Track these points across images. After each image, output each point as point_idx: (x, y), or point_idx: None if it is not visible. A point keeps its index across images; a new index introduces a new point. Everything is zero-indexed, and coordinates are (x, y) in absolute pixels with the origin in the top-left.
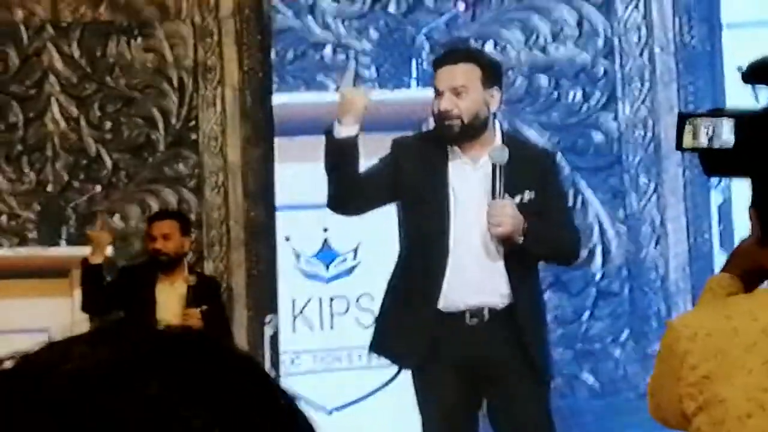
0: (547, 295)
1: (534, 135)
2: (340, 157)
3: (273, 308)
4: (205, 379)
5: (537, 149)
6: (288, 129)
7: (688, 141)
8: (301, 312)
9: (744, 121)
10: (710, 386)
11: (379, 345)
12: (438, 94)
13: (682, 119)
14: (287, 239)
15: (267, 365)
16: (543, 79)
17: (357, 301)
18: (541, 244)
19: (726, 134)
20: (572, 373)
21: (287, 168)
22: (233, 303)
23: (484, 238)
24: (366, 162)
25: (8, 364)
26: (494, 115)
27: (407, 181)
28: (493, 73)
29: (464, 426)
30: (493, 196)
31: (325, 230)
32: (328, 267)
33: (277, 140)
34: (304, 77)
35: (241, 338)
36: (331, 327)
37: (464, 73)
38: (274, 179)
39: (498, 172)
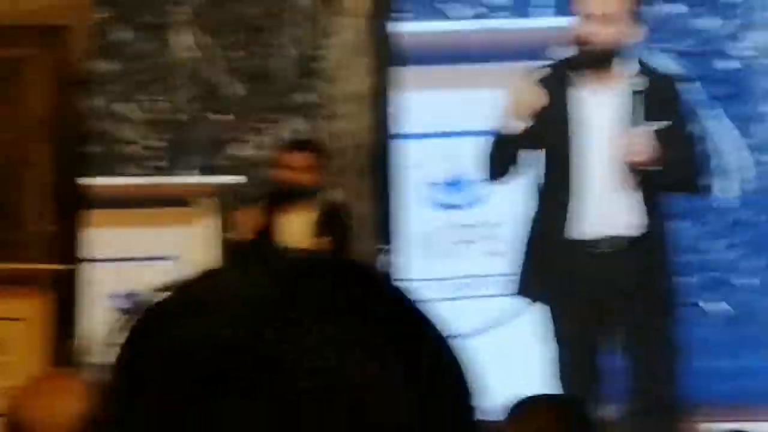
0: (678, 223)
1: (664, 62)
2: (504, 149)
3: (393, 238)
4: (359, 307)
5: (667, 76)
6: (415, 57)
7: None
8: (430, 241)
9: None
10: None
11: (524, 288)
12: (585, 17)
13: None
14: (417, 167)
15: None
16: (678, 6)
17: (487, 229)
18: (674, 175)
19: None
20: (697, 302)
21: (413, 96)
22: (357, 232)
23: (618, 165)
24: (496, 90)
25: (166, 295)
26: (633, 46)
27: (545, 116)
28: (642, 5)
29: (593, 356)
30: (633, 124)
31: (455, 159)
32: (457, 195)
33: (402, 69)
34: (432, 6)
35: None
36: (460, 255)
37: (618, 1)
38: (393, 108)
39: (636, 100)
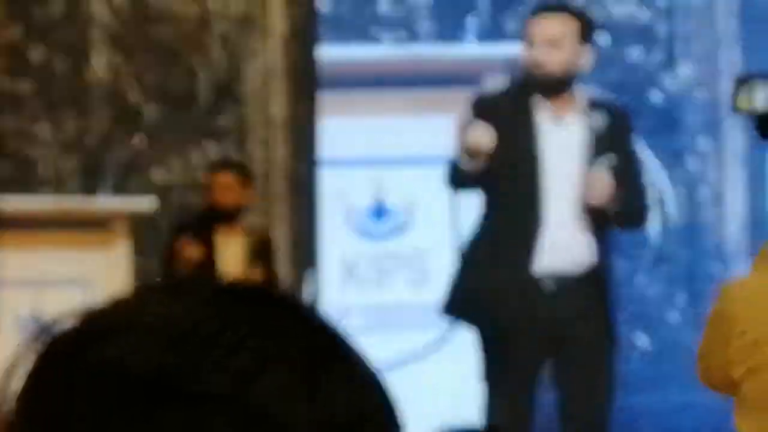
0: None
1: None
2: (463, 179)
3: (313, 263)
4: (280, 335)
5: (615, 108)
6: (335, 82)
7: (743, 104)
8: (352, 269)
9: None
10: (758, 353)
11: (455, 307)
12: (531, 44)
13: (739, 82)
14: (340, 195)
15: None
16: (604, 38)
17: (409, 259)
18: (623, 210)
19: None
20: (626, 336)
21: (334, 122)
22: (276, 259)
23: (574, 203)
24: (422, 117)
25: (72, 321)
26: (583, 71)
27: (500, 143)
28: (589, 30)
29: (529, 387)
30: (589, 163)
31: (378, 187)
32: (380, 224)
33: (323, 94)
34: (357, 29)
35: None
36: (383, 285)
37: (562, 24)
38: (317, 134)
39: (593, 137)
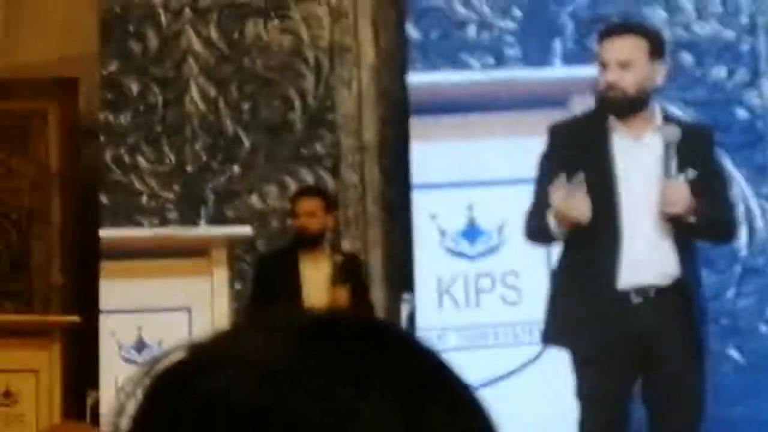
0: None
1: (677, 112)
2: (546, 239)
3: (409, 286)
4: (378, 367)
5: (696, 126)
6: (426, 108)
7: None
8: (447, 290)
9: None
10: None
11: (553, 335)
12: (603, 66)
13: None
14: (432, 217)
15: None
16: (687, 57)
17: (502, 278)
18: (707, 223)
19: None
20: (718, 349)
21: (425, 147)
22: (370, 281)
23: (654, 216)
24: (510, 139)
25: (179, 355)
26: (657, 89)
27: (574, 163)
28: (659, 47)
29: (622, 407)
30: (666, 175)
31: (470, 208)
32: (473, 244)
33: (414, 119)
34: (446, 56)
35: (379, 316)
36: (477, 304)
37: (632, 45)
38: (410, 158)
39: (670, 150)
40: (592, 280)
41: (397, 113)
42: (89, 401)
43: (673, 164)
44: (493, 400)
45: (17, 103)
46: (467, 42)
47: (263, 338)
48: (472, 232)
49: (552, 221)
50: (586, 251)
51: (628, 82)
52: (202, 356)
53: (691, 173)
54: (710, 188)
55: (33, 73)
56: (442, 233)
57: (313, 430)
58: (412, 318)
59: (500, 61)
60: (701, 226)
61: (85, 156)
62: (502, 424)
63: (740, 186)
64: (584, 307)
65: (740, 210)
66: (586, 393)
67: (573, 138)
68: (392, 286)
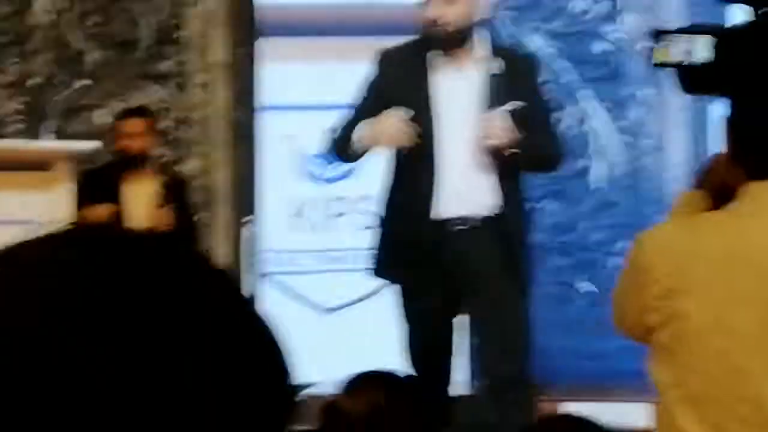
0: (545, 204)
1: (538, 43)
2: (348, 152)
3: (252, 209)
4: (172, 285)
5: (519, 54)
6: (275, 29)
7: (660, 56)
8: (300, 212)
9: (722, 37)
10: (673, 300)
11: (378, 269)
12: (426, 1)
13: (657, 35)
14: (288, 138)
15: (244, 265)
16: None
17: (356, 202)
18: (529, 155)
19: (700, 51)
20: (570, 282)
21: (277, 68)
22: (216, 203)
23: (473, 149)
24: (352, 67)
25: None
26: (480, 22)
27: (394, 93)
28: None
29: (442, 332)
30: (486, 108)
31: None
32: (328, 168)
33: (262, 40)
34: None
35: (222, 238)
36: (331, 228)
37: None
38: (256, 79)
39: (491, 82)
40: (411, 209)
41: (246, 34)
42: None
43: (494, 97)
44: (343, 324)
45: None
46: None
47: (48, 253)
48: (326, 156)
49: (357, 139)
50: (406, 182)
51: (451, 15)
52: None
53: (516, 104)
54: (533, 119)
55: None
56: (295, 156)
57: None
58: (254, 240)
59: None
60: (525, 158)
61: None
62: (355, 346)
63: (600, 119)
64: (404, 235)
65: (597, 144)
66: (410, 321)
67: (395, 66)
68: (237, 209)
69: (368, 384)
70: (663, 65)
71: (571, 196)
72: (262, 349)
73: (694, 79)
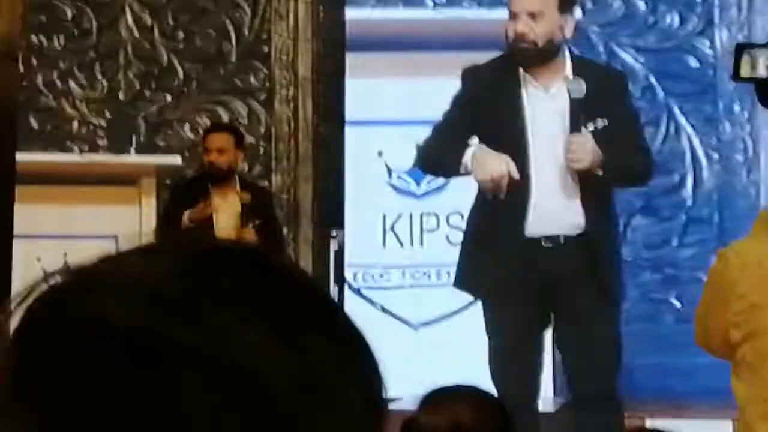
0: (636, 220)
1: (629, 59)
2: (440, 168)
3: (339, 223)
4: (260, 294)
5: (606, 71)
6: (362, 44)
7: (745, 71)
8: (391, 227)
9: None
10: (756, 317)
11: (463, 281)
12: (513, 16)
13: (740, 49)
14: (380, 154)
15: (332, 279)
16: (640, 3)
17: (447, 218)
18: (617, 173)
19: None
20: (660, 298)
21: (364, 83)
22: (299, 217)
23: (561, 169)
24: (438, 82)
25: (60, 278)
26: (566, 41)
27: (482, 112)
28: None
29: (531, 349)
30: (572, 130)
31: (418, 147)
32: (419, 183)
33: (350, 55)
34: None
35: (306, 253)
36: (421, 243)
37: None
38: (344, 94)
39: (576, 105)
40: (502, 227)
41: (333, 48)
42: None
43: (580, 118)
44: (433, 339)
45: None
46: None
47: (145, 263)
48: (419, 171)
49: (464, 166)
50: (497, 200)
51: (537, 32)
52: (82, 279)
53: (601, 123)
54: (623, 135)
55: None
56: (390, 170)
57: (194, 354)
58: (340, 254)
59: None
60: (611, 176)
61: (3, 79)
62: (440, 362)
63: (688, 135)
64: (494, 252)
65: (687, 160)
66: (495, 336)
67: (483, 84)
68: (322, 223)
69: (450, 399)
70: (747, 80)
71: (656, 213)
72: (357, 354)
73: None
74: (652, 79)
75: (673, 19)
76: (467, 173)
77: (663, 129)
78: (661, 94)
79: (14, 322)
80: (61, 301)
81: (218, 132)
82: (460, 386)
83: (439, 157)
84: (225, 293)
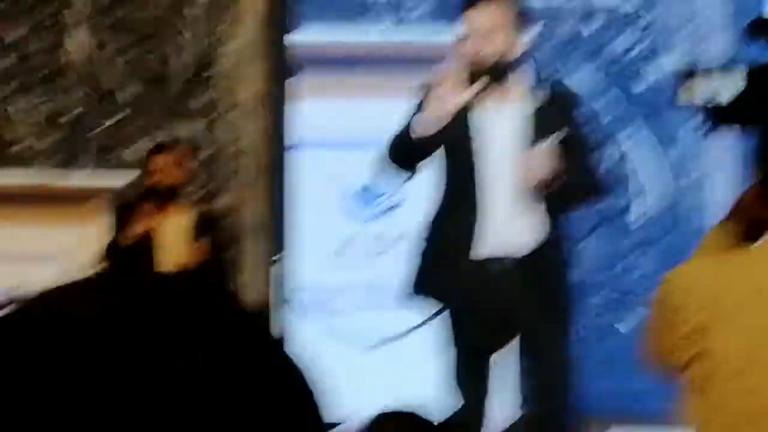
0: (585, 242)
1: (581, 79)
2: (410, 150)
3: (282, 245)
4: (196, 326)
5: (560, 90)
6: (307, 66)
7: (686, 96)
8: (342, 250)
9: (751, 73)
10: (702, 339)
11: (419, 287)
12: (465, 35)
13: (682, 75)
14: (330, 177)
15: (272, 302)
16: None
17: (397, 241)
18: (568, 189)
19: (725, 89)
20: (605, 322)
21: (310, 104)
22: (246, 240)
23: (513, 185)
24: (386, 103)
25: (3, 312)
26: (521, 58)
27: (446, 128)
28: (522, 16)
29: (482, 368)
30: (528, 144)
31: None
32: (369, 206)
33: (295, 78)
34: (330, 13)
35: (252, 275)
36: (372, 266)
37: (493, 16)
38: (287, 117)
39: (533, 117)
40: (452, 246)
41: (279, 71)
42: None
43: (534, 132)
44: (384, 361)
45: None
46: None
47: (86, 298)
48: (363, 193)
49: (419, 122)
50: (449, 217)
51: (489, 50)
52: (22, 315)
53: (558, 136)
54: (574, 153)
55: None
56: (341, 193)
57: (127, 376)
58: (281, 278)
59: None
60: (564, 192)
61: None
62: (390, 385)
63: (641, 157)
64: (445, 276)
65: (641, 182)
66: (453, 343)
67: None
68: (268, 245)
69: (394, 424)
70: (688, 104)
71: (610, 234)
72: (292, 390)
73: (720, 116)
74: (603, 101)
75: (619, 43)
76: (425, 146)
77: (614, 151)
78: (611, 115)
79: None
80: (7, 333)
81: (159, 152)
82: (402, 412)
83: (402, 146)
84: (169, 324)
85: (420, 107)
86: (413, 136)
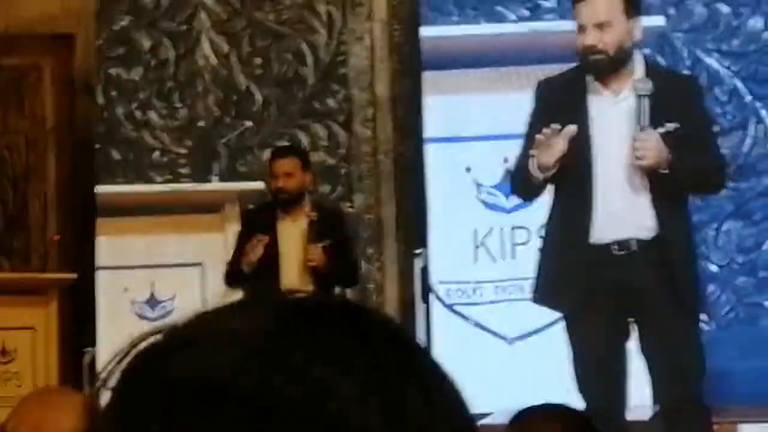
0: (728, 224)
1: (714, 63)
2: (532, 188)
3: (423, 241)
4: (351, 347)
5: (680, 77)
6: (437, 62)
7: None
8: (482, 243)
9: None
10: None
11: (540, 297)
12: (581, 29)
13: None
14: (468, 170)
15: (418, 297)
16: (723, 7)
17: (538, 230)
18: (686, 174)
19: None
20: (754, 302)
21: (441, 100)
22: (384, 237)
23: (628, 170)
24: (516, 95)
25: (156, 338)
26: (636, 45)
27: (554, 122)
28: (634, 3)
29: (614, 357)
30: (637, 128)
31: (506, 161)
32: (508, 197)
33: (427, 73)
34: (455, 9)
35: (391, 272)
36: (513, 257)
37: (606, 6)
38: (422, 112)
39: (642, 103)
40: (569, 235)
41: (410, 67)
42: (86, 359)
43: (645, 117)
44: (527, 353)
45: (13, 58)
46: None
47: (242, 318)
48: (507, 185)
49: (534, 169)
50: (564, 208)
51: (606, 42)
52: (181, 335)
53: (671, 125)
54: (692, 139)
55: (31, 29)
56: (478, 185)
57: (291, 408)
58: (425, 272)
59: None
60: (680, 178)
61: (81, 111)
62: (535, 376)
63: None
64: (564, 262)
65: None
66: (578, 349)
67: (555, 95)
68: (406, 241)
69: (540, 420)
70: None
71: (747, 216)
72: (445, 397)
73: None
74: (738, 83)
75: (757, 22)
76: (543, 183)
77: (751, 132)
78: (748, 97)
79: (114, 380)
80: (163, 355)
81: (283, 157)
82: (550, 405)
83: (521, 180)
84: (321, 347)
85: (531, 144)
86: (533, 179)
